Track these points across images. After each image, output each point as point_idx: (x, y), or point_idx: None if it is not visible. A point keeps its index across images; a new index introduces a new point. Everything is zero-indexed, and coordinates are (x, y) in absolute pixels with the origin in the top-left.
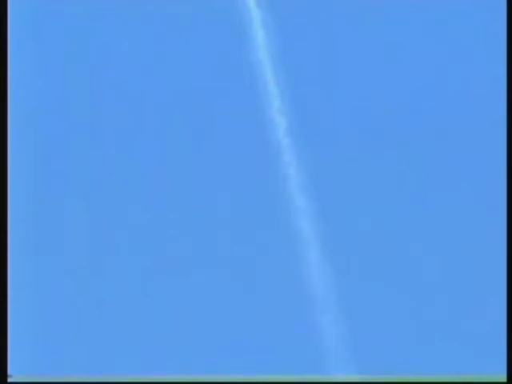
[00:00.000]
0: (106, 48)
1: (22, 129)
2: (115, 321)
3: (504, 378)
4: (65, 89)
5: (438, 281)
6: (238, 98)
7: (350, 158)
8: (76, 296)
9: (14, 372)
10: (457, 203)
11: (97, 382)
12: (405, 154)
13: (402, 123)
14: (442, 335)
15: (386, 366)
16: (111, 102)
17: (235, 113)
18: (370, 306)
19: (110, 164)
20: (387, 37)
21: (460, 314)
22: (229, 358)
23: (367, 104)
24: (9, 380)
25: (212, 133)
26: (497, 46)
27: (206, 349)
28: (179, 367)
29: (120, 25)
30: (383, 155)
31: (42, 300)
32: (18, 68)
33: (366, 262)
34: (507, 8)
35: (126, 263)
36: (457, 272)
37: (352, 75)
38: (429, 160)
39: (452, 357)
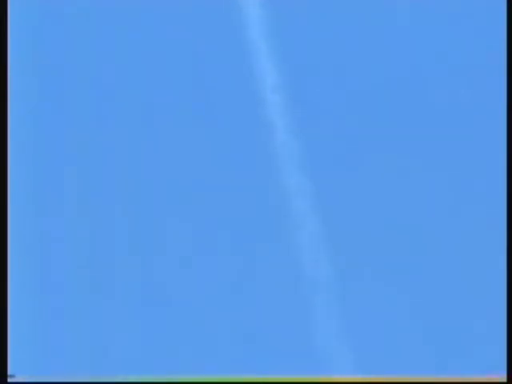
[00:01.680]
0: (105, 41)
1: (22, 129)
2: (116, 320)
3: (504, 378)
4: (65, 88)
5: (437, 279)
6: (231, 76)
7: (347, 138)
8: (77, 295)
9: (14, 372)
10: (458, 186)
11: (97, 381)
12: (405, 135)
13: (402, 102)
14: (441, 334)
15: (386, 366)
16: (109, 89)
17: (228, 90)
18: (366, 301)
19: (109, 155)
20: (387, 17)
21: (460, 313)
22: (224, 356)
23: (366, 82)
24: (9, 380)
25: (204, 111)
26: (496, 45)
27: (204, 347)
28: (179, 367)
29: (116, 10)
30: (382, 133)
31: (43, 300)
32: (17, 67)
33: (363, 246)
34: (507, 8)
35: (127, 263)
36: (457, 270)
37: (350, 54)
38: (429, 143)
39: (452, 357)
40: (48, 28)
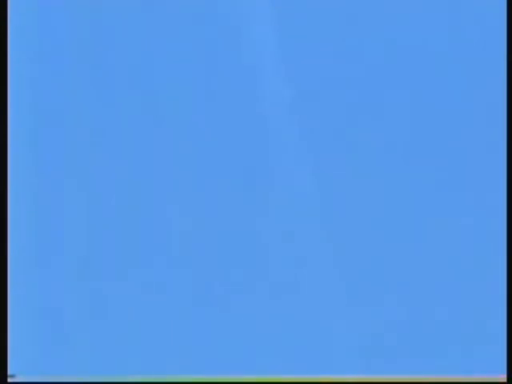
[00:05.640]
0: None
1: (22, 125)
2: (116, 320)
3: (504, 378)
4: (65, 83)
5: (436, 278)
6: (220, 21)
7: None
8: (77, 295)
9: (14, 372)
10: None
11: (97, 382)
12: (403, 108)
13: (402, 75)
14: (441, 334)
15: (386, 366)
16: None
17: (216, 35)
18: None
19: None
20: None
21: (460, 312)
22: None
23: (366, 40)
24: (9, 380)
25: (192, 59)
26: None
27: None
28: (179, 367)
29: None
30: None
31: (43, 299)
32: (18, 59)
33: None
34: (507, 8)
35: (126, 262)
36: (456, 270)
37: (350, 13)
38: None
39: (452, 357)
40: (48, 27)
